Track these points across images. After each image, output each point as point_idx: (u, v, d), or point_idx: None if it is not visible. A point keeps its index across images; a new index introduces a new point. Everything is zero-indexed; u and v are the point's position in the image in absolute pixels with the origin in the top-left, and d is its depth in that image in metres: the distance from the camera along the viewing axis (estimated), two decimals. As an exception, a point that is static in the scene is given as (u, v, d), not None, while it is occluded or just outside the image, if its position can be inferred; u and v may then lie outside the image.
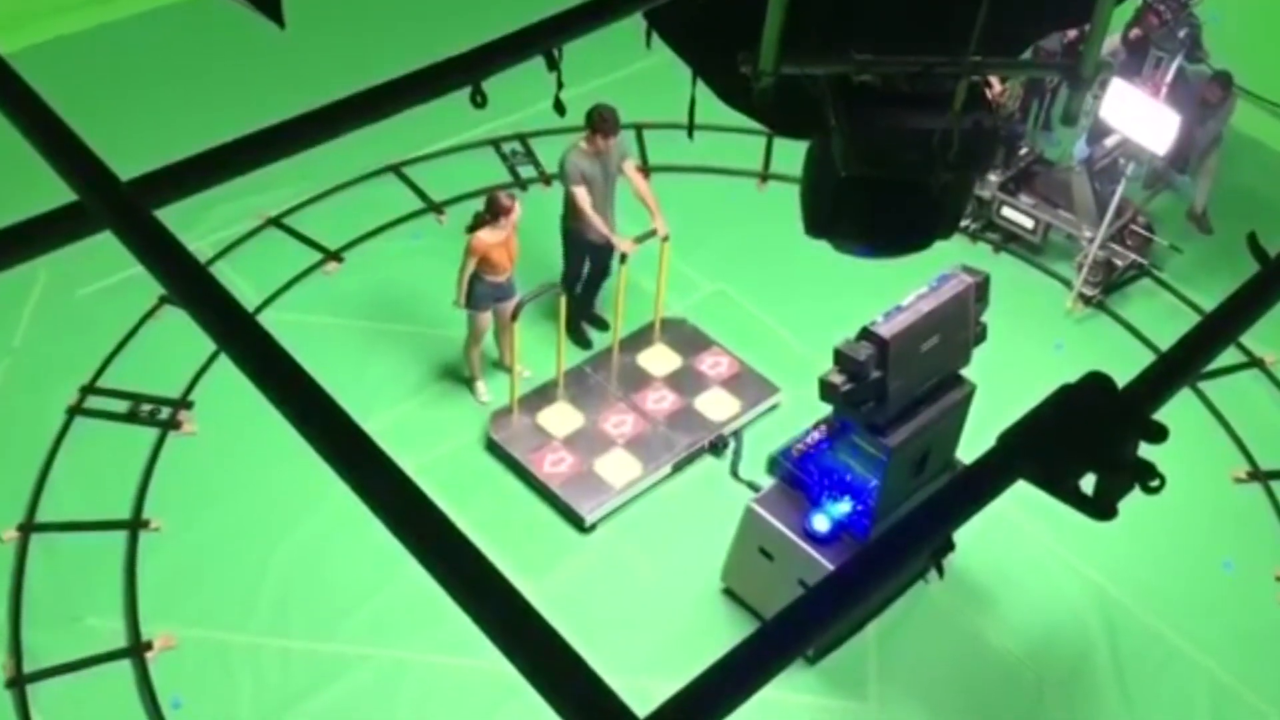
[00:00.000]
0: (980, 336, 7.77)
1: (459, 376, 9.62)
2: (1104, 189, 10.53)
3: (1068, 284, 10.79)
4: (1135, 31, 10.81)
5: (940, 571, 8.43)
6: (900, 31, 3.85)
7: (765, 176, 11.59)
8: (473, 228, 8.82)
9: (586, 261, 9.72)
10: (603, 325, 9.97)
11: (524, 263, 9.28)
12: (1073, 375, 2.40)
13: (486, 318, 9.19)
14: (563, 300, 9.22)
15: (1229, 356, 9.71)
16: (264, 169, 2.93)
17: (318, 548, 8.47)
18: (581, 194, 9.20)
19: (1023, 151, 11.14)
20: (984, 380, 7.86)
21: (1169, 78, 10.18)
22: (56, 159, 2.51)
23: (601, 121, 9.08)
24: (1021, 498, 2.59)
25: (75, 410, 9.21)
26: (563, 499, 8.79)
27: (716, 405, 9.46)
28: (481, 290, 8.98)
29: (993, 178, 10.92)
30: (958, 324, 7.51)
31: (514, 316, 8.92)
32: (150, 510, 8.65)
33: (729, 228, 11.01)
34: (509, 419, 9.20)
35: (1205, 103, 10.66)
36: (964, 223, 10.49)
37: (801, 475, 7.85)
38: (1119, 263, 10.65)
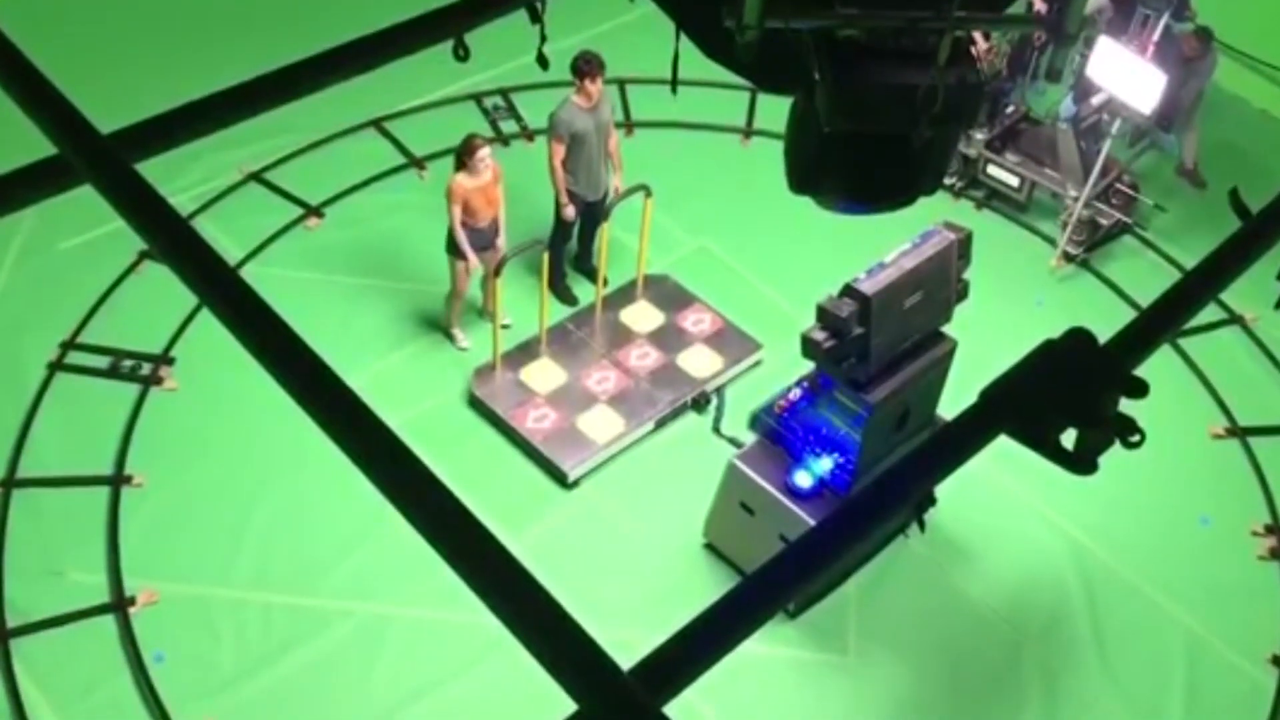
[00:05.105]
0: (962, 293, 7.78)
1: (441, 332, 9.60)
2: (1090, 147, 10.52)
3: (1051, 242, 10.80)
4: (1123, -12, 10.76)
5: (921, 526, 8.49)
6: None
7: (749, 132, 11.55)
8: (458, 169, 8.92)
9: (578, 216, 9.66)
10: (596, 277, 9.87)
11: (508, 219, 9.24)
12: (1054, 332, 2.41)
13: (469, 265, 9.17)
14: (545, 256, 9.19)
15: (1209, 313, 9.75)
16: (245, 123, 2.91)
17: (300, 503, 8.47)
18: (558, 150, 9.17)
19: (1009, 110, 11.11)
20: (965, 337, 7.88)
21: (1156, 36, 10.15)
22: (36, 111, 2.49)
23: (586, 65, 9.04)
24: (1002, 453, 2.60)
25: (56, 365, 9.16)
26: (545, 455, 8.80)
27: (699, 362, 9.47)
28: (464, 235, 8.98)
29: (979, 135, 10.90)
30: (940, 281, 7.51)
31: (497, 272, 8.91)
32: (132, 466, 8.64)
33: (712, 184, 10.97)
34: (492, 375, 9.19)
35: (1184, 58, 10.61)
36: (948, 179, 10.50)
37: (783, 431, 7.87)
38: (1104, 221, 10.64)
